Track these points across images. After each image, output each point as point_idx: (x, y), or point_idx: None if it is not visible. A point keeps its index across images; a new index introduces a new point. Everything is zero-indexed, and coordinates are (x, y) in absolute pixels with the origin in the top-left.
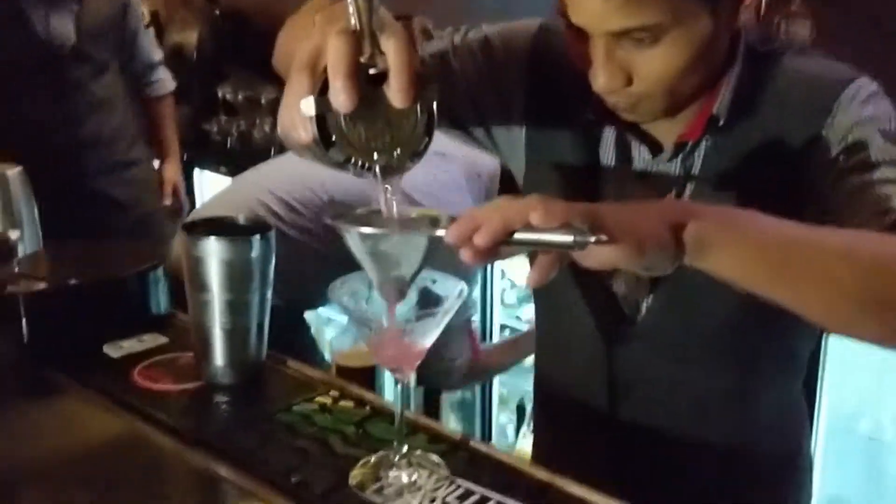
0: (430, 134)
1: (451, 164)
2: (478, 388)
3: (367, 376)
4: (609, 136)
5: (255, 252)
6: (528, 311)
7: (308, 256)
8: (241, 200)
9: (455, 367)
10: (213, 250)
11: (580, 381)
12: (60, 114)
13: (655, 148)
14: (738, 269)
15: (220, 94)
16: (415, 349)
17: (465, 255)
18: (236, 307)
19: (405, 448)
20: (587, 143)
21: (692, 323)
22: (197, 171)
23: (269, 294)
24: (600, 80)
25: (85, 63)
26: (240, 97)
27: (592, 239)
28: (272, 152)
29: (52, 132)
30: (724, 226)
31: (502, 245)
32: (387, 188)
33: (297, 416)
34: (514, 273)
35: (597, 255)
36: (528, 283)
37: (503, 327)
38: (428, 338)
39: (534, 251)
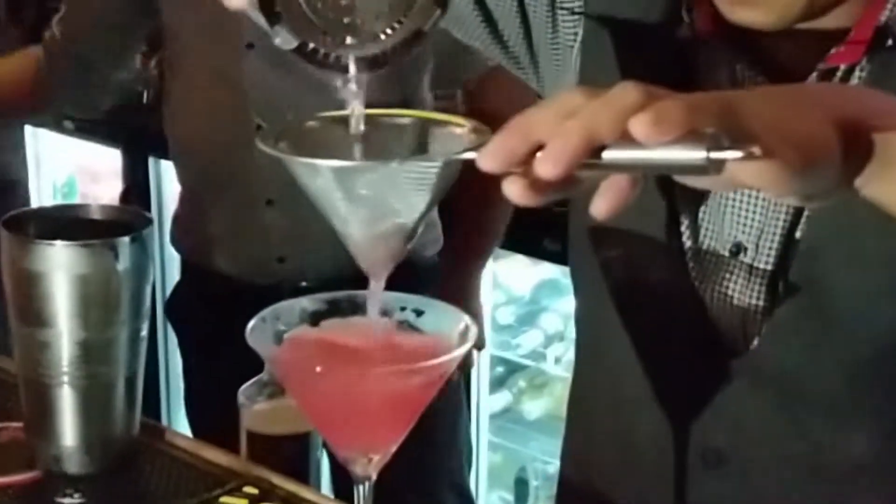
0: (443, 4)
1: None
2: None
3: (296, 451)
4: (709, 58)
5: (125, 262)
6: (531, 338)
7: None
8: None
9: None
10: (58, 261)
11: (642, 445)
12: None
13: (779, 75)
14: None
15: None
16: (398, 417)
17: (513, 189)
18: (95, 351)
19: None
20: (677, 69)
21: (834, 350)
22: (30, 131)
23: (145, 329)
24: None
25: None
26: None
27: (738, 154)
28: (146, 97)
29: None
30: None
31: (581, 171)
32: (354, 87)
33: None
34: (510, 278)
35: (735, 175)
36: (595, 214)
37: (497, 361)
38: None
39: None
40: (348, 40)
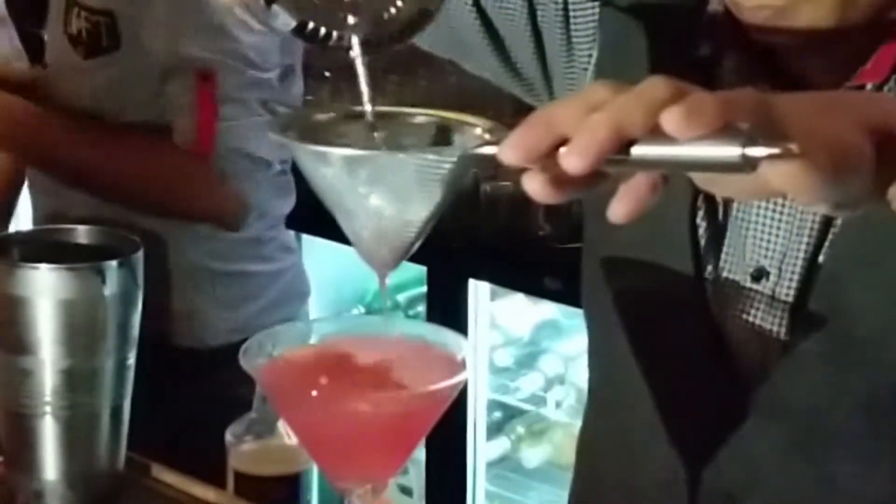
0: None
1: None
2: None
3: (286, 493)
4: (730, 76)
5: (112, 287)
6: (530, 382)
7: None
8: None
9: None
10: (43, 285)
11: (651, 488)
12: None
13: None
14: None
15: None
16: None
17: (534, 185)
18: (79, 380)
19: None
20: (697, 86)
21: (856, 383)
22: None
23: (133, 357)
24: None
25: None
26: None
27: (775, 150)
28: None
29: None
30: None
31: (607, 167)
32: (364, 72)
33: None
34: (509, 318)
35: (766, 178)
36: (613, 218)
37: (494, 405)
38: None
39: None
40: (350, 20)
